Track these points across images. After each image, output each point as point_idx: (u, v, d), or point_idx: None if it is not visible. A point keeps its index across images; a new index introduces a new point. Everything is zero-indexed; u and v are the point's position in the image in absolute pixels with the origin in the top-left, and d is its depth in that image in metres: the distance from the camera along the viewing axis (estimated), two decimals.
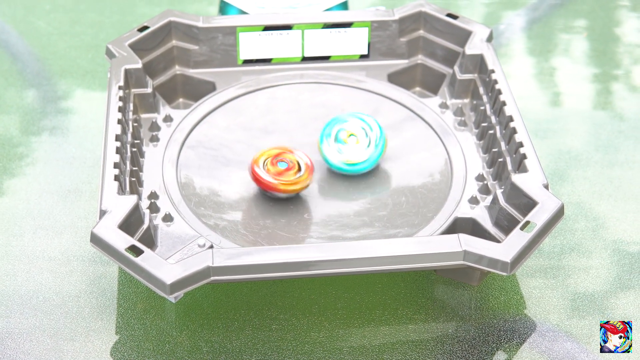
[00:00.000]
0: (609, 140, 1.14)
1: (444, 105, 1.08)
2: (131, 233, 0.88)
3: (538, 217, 0.87)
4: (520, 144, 0.95)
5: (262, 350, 0.88)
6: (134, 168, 0.96)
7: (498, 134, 1.00)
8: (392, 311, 0.92)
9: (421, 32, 1.14)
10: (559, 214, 0.88)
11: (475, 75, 1.08)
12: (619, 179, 1.08)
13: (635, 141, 1.13)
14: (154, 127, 1.04)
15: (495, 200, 0.93)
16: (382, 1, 1.39)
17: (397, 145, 1.04)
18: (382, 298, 0.93)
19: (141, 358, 0.87)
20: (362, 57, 1.15)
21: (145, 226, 0.90)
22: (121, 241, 0.84)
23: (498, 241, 0.91)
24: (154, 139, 1.03)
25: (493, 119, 1.02)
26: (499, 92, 1.02)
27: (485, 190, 0.96)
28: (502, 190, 0.93)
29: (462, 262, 0.84)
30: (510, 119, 0.99)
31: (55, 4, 1.38)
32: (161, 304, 0.92)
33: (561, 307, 0.93)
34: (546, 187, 0.91)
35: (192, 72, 1.13)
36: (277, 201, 0.98)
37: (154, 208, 0.94)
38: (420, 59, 1.15)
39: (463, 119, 1.05)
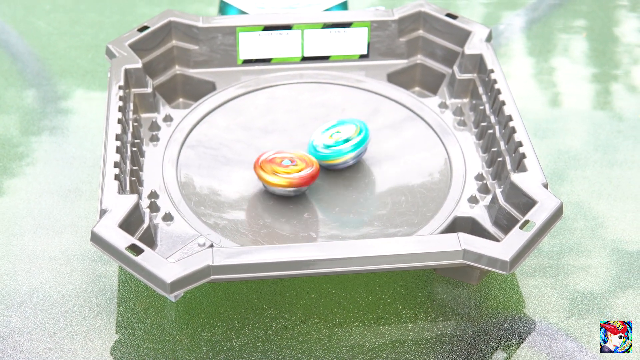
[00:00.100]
0: (608, 140, 1.14)
1: (443, 105, 1.08)
2: (131, 232, 0.88)
3: (537, 216, 0.87)
4: (520, 144, 0.95)
5: (262, 349, 0.88)
6: (134, 167, 0.96)
7: (497, 134, 1.00)
8: (392, 310, 0.92)
9: (420, 32, 1.14)
10: (558, 213, 0.88)
11: (475, 75, 1.08)
12: (618, 179, 1.08)
13: (634, 141, 1.14)
14: (154, 126, 1.04)
15: (494, 199, 0.93)
16: (382, 1, 1.39)
17: (397, 145, 1.04)
18: (382, 297, 0.93)
19: (141, 357, 0.88)
20: (362, 57, 1.15)
21: (145, 225, 0.90)
22: (121, 240, 0.84)
23: (497, 240, 0.91)
24: (154, 139, 1.03)
25: (492, 119, 1.02)
26: (498, 91, 1.02)
27: (484, 189, 0.97)
28: (501, 189, 0.93)
29: (461, 261, 0.84)
30: (510, 118, 0.99)
31: (55, 4, 1.38)
32: (161, 303, 0.92)
33: (560, 306, 0.93)
34: (545, 186, 0.91)
35: (192, 72, 1.13)
36: (277, 201, 0.98)
37: (154, 207, 0.94)
38: (419, 58, 1.15)
39: (462, 118, 1.06)
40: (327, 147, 1.00)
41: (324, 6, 1.22)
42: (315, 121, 1.07)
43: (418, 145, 1.04)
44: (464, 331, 0.90)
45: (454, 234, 0.85)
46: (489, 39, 1.10)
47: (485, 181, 0.97)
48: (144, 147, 1.02)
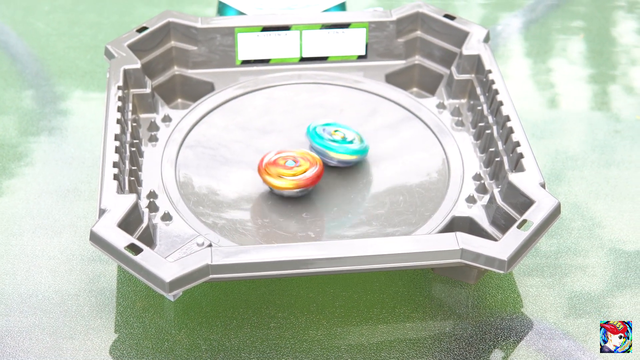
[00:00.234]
0: (605, 140, 1.14)
1: (441, 106, 1.08)
2: (130, 232, 0.89)
3: (535, 215, 0.88)
4: (517, 144, 0.96)
5: (261, 349, 0.88)
6: (133, 167, 0.97)
7: (495, 134, 1.00)
8: (390, 309, 0.92)
9: (418, 33, 1.15)
10: (555, 212, 0.89)
11: (473, 75, 1.09)
12: (615, 179, 1.09)
13: (632, 141, 1.14)
14: (153, 127, 1.04)
15: (492, 199, 0.93)
16: (380, 2, 1.39)
17: (395, 145, 1.05)
18: (380, 296, 0.94)
19: (140, 356, 0.88)
20: (360, 57, 1.15)
21: (144, 225, 0.90)
22: (120, 240, 0.85)
23: (495, 240, 0.91)
24: (153, 139, 1.03)
25: (490, 119, 1.02)
26: (496, 92, 1.03)
27: (482, 189, 0.97)
28: (499, 189, 0.93)
29: (459, 260, 0.85)
30: (507, 118, 0.99)
31: (54, 5, 1.38)
32: (160, 303, 0.93)
33: (558, 305, 0.93)
34: (543, 186, 0.91)
35: (191, 72, 1.13)
36: (276, 200, 0.99)
37: (152, 207, 0.94)
38: (417, 59, 1.15)
39: (460, 119, 1.06)
40: (334, 140, 1.01)
41: (323, 7, 1.22)
42: (314, 121, 1.08)
43: (416, 146, 1.04)
44: (461, 330, 0.90)
45: (452, 234, 0.85)
46: (486, 39, 1.10)
47: (483, 181, 0.97)
48: (143, 147, 1.02)
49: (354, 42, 1.14)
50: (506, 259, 0.83)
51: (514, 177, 0.92)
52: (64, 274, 0.96)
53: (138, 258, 0.83)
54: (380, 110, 1.08)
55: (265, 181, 0.97)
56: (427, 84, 1.15)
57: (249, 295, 0.94)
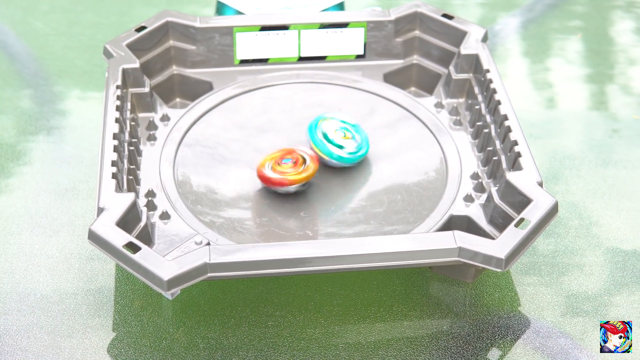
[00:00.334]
0: (602, 139, 1.14)
1: (439, 105, 1.08)
2: (128, 230, 0.89)
3: (532, 214, 0.88)
4: (515, 143, 0.96)
5: (259, 347, 0.89)
6: (132, 166, 0.97)
7: (493, 133, 1.00)
8: (388, 308, 0.93)
9: (417, 33, 1.15)
10: (553, 211, 0.89)
11: (471, 75, 1.09)
12: (612, 178, 1.09)
13: (629, 141, 1.14)
14: (151, 126, 1.05)
15: (490, 198, 0.93)
16: (378, 2, 1.40)
17: (393, 144, 1.05)
18: (378, 295, 0.94)
19: (138, 354, 0.88)
20: (358, 57, 1.15)
21: (142, 224, 0.90)
22: (119, 238, 0.85)
23: (493, 238, 0.91)
24: (151, 138, 1.03)
25: (488, 118, 1.03)
26: (494, 91, 1.03)
27: (480, 188, 0.97)
28: (496, 188, 0.94)
29: (457, 258, 0.85)
30: (505, 117, 0.99)
31: (53, 5, 1.39)
32: (158, 301, 0.93)
33: (555, 304, 0.93)
34: (540, 184, 0.91)
35: (189, 72, 1.13)
36: (274, 199, 0.99)
37: (151, 206, 0.95)
38: (415, 59, 1.15)
39: (458, 118, 1.06)
40: (332, 142, 1.01)
41: (321, 7, 1.22)
42: (311, 120, 1.08)
43: (414, 145, 1.04)
44: (459, 329, 0.91)
45: (450, 232, 0.85)
46: (484, 39, 1.10)
47: (480, 180, 0.98)
48: (141, 147, 1.02)
49: (353, 41, 1.14)
50: (503, 258, 0.84)
51: (512, 176, 0.92)
52: (62, 272, 0.96)
53: (136, 256, 0.83)
54: (379, 109, 1.09)
55: (263, 180, 0.97)
56: (425, 83, 1.15)
57: (247, 293, 0.94)
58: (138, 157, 1.00)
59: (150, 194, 0.96)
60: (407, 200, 0.98)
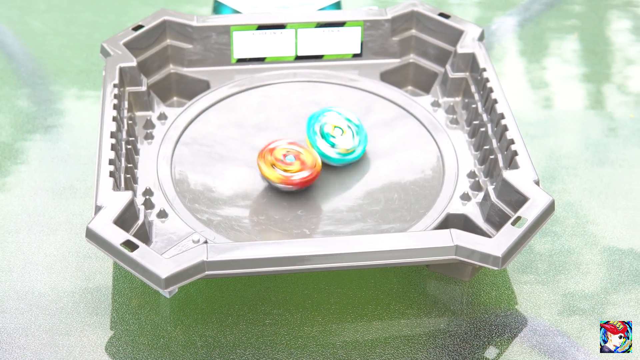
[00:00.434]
0: (599, 139, 1.15)
1: (436, 104, 1.08)
2: (126, 229, 0.89)
3: (529, 212, 0.88)
4: (512, 141, 0.96)
5: (256, 345, 0.89)
6: (129, 165, 0.97)
7: (489, 132, 1.01)
8: (385, 306, 0.93)
9: (413, 32, 1.15)
10: (549, 209, 0.89)
11: (467, 73, 1.09)
12: (609, 177, 1.09)
13: (625, 140, 1.14)
14: (149, 124, 1.05)
15: (486, 196, 0.94)
16: (375, 1, 1.40)
17: (390, 143, 1.05)
18: (375, 293, 0.94)
19: (136, 352, 0.88)
20: (355, 56, 1.15)
21: (140, 222, 0.90)
22: (116, 236, 0.85)
23: (489, 237, 0.91)
24: (149, 137, 1.03)
25: (484, 117, 1.03)
26: (491, 90, 1.03)
27: (476, 186, 0.97)
28: (493, 186, 0.94)
29: (454, 256, 0.85)
30: (502, 116, 0.99)
31: (50, 5, 1.39)
32: (156, 299, 0.93)
33: (552, 302, 0.94)
34: (537, 183, 0.92)
35: (186, 70, 1.13)
36: (271, 197, 0.99)
37: (148, 204, 0.95)
38: (412, 57, 1.16)
39: (455, 117, 1.06)
40: (328, 140, 1.01)
41: (318, 6, 1.23)
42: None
43: (411, 143, 1.04)
44: (456, 327, 0.91)
45: (447, 230, 0.85)
46: (481, 38, 1.11)
47: (477, 178, 0.98)
48: (139, 145, 1.02)
49: (349, 40, 1.14)
50: (500, 256, 0.84)
51: (508, 175, 0.92)
52: (59, 271, 0.96)
53: (134, 255, 0.83)
54: (375, 108, 1.09)
55: (258, 165, 0.97)
56: (422, 82, 1.15)
57: (244, 292, 0.94)
58: (135, 156, 1.01)
59: (148, 192, 0.96)
60: (404, 198, 0.98)
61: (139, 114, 1.07)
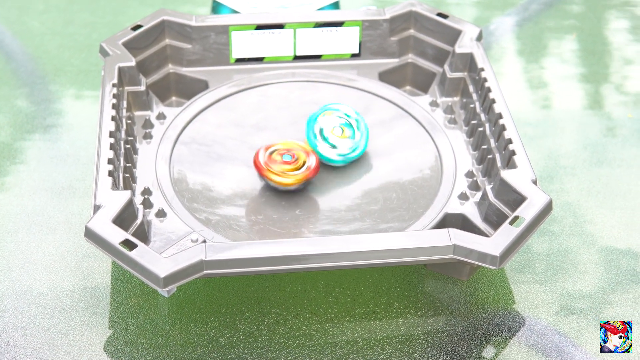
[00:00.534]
0: (597, 139, 1.15)
1: (434, 104, 1.09)
2: (125, 228, 0.89)
3: (527, 212, 0.88)
4: (509, 141, 0.96)
5: (254, 344, 0.89)
6: (128, 164, 0.97)
7: (487, 131, 1.01)
8: (383, 305, 0.93)
9: (412, 31, 1.15)
10: (547, 209, 0.89)
11: (465, 73, 1.09)
12: (607, 177, 1.09)
13: (623, 139, 1.15)
14: (147, 124, 1.05)
15: (484, 196, 0.94)
16: (374, 1, 1.40)
17: (388, 142, 1.05)
18: (373, 292, 0.94)
19: (134, 352, 0.88)
20: (354, 55, 1.16)
21: (138, 221, 0.91)
22: (115, 235, 0.85)
23: (487, 236, 0.92)
24: (147, 136, 1.03)
25: (482, 117, 1.03)
26: (489, 90, 1.03)
27: (474, 186, 0.98)
28: (491, 186, 0.94)
29: (452, 256, 0.85)
30: (500, 116, 1.00)
31: (48, 5, 1.39)
32: (154, 299, 0.93)
33: (550, 302, 0.94)
34: (535, 182, 0.92)
35: (185, 70, 1.14)
36: (270, 197, 0.99)
37: (147, 204, 0.95)
38: (410, 57, 1.16)
39: (453, 116, 1.06)
40: (327, 140, 1.01)
41: (316, 5, 1.23)
42: (307, 118, 1.08)
43: (409, 143, 1.05)
44: (454, 326, 0.91)
45: (445, 230, 0.86)
46: (479, 38, 1.11)
47: (475, 178, 0.98)
48: (137, 145, 1.03)
49: (348, 40, 1.14)
50: (498, 255, 0.84)
51: (506, 174, 0.92)
52: (58, 270, 0.96)
53: (133, 254, 0.83)
54: (374, 108, 1.09)
55: (269, 179, 0.97)
56: (420, 82, 1.15)
57: (243, 291, 0.94)
58: (134, 155, 1.01)
59: (147, 191, 0.96)
60: (402, 198, 0.99)
61: (137, 113, 1.07)
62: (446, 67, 1.10)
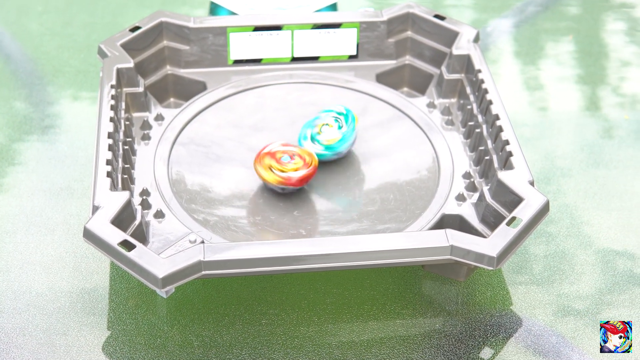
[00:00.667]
0: (594, 140, 1.15)
1: (431, 105, 1.09)
2: (123, 229, 0.89)
3: (524, 212, 0.88)
4: (507, 142, 0.97)
5: (252, 345, 0.89)
6: (126, 165, 0.97)
7: (484, 133, 1.01)
8: (381, 306, 0.93)
9: (409, 33, 1.15)
10: (544, 209, 0.90)
11: (462, 75, 1.09)
12: (603, 178, 1.09)
13: (620, 141, 1.15)
14: (146, 125, 1.05)
15: (481, 197, 0.94)
16: (371, 2, 1.40)
17: (386, 144, 1.05)
18: (371, 293, 0.94)
19: (133, 352, 0.88)
20: (351, 57, 1.16)
21: (137, 222, 0.91)
22: (114, 236, 0.85)
23: (484, 237, 0.92)
24: (146, 137, 1.04)
25: (480, 118, 1.03)
26: (486, 91, 1.03)
27: (472, 187, 0.98)
28: (488, 187, 0.94)
29: (449, 256, 0.85)
30: (497, 117, 1.00)
31: (47, 6, 1.39)
32: (152, 299, 0.93)
33: (547, 302, 0.94)
34: (532, 183, 0.92)
35: (183, 72, 1.14)
36: (268, 198, 0.99)
37: (145, 205, 0.95)
38: (408, 59, 1.16)
39: (450, 118, 1.07)
40: (331, 145, 1.01)
41: (314, 7, 1.23)
42: (304, 119, 1.08)
43: (407, 144, 1.05)
44: (451, 327, 0.91)
45: (442, 230, 0.86)
46: (476, 39, 1.11)
47: (472, 179, 0.98)
48: (136, 146, 1.03)
49: (345, 42, 1.15)
50: (495, 256, 0.84)
51: (503, 175, 0.92)
52: (57, 271, 0.97)
53: (131, 254, 0.83)
54: (371, 109, 1.09)
55: (255, 170, 0.98)
56: (418, 83, 1.16)
57: (241, 292, 0.94)
58: (132, 156, 1.01)
59: (145, 192, 0.97)
60: (400, 199, 0.99)
61: (136, 114, 1.07)
62: (443, 68, 1.10)
